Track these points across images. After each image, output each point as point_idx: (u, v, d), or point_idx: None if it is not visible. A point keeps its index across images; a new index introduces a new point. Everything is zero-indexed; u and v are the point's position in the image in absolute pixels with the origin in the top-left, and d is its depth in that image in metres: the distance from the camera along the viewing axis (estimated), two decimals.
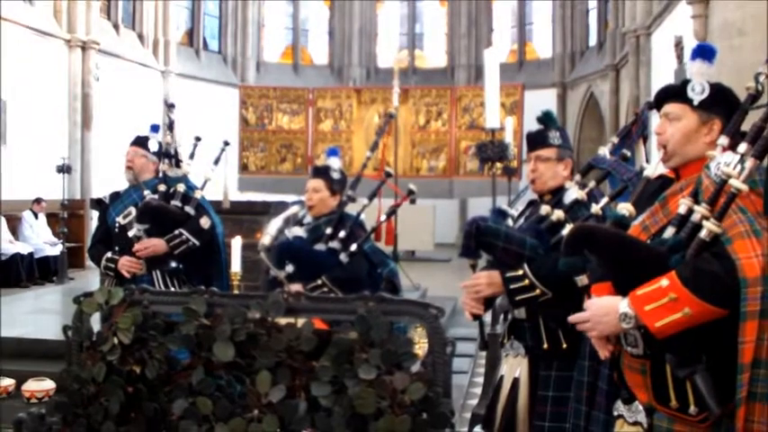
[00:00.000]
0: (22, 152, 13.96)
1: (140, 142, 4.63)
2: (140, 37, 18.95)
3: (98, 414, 2.19)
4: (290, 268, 4.03)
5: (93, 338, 2.26)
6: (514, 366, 3.30)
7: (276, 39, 23.04)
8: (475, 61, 21.43)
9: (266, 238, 4.23)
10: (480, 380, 6.34)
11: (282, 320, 2.24)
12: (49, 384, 5.73)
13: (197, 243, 4.41)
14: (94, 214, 14.31)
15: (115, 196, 4.65)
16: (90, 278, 13.31)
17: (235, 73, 21.48)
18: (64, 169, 12.14)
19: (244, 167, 16.22)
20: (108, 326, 2.22)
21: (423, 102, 16.01)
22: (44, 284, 12.59)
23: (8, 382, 5.82)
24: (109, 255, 4.47)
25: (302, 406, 2.20)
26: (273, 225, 4.28)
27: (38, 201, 13.59)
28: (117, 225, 4.50)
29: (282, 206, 8.43)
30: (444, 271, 13.36)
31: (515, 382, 3.27)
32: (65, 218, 12.85)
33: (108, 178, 15.34)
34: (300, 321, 2.23)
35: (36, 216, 13.54)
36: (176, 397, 2.20)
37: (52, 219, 13.70)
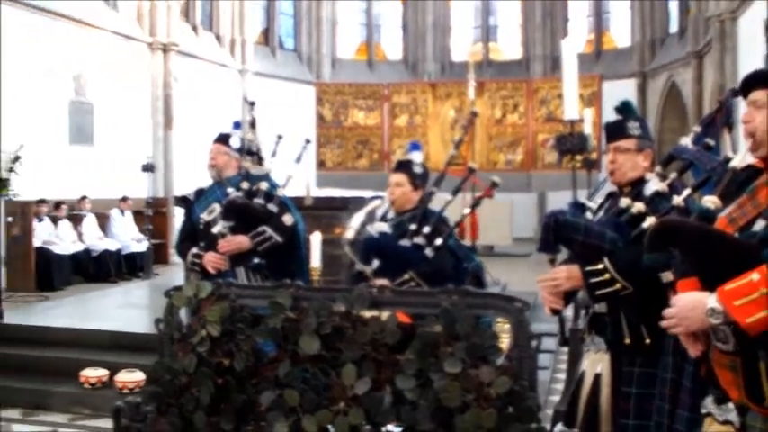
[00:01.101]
0: (108, 152, 14.41)
1: (223, 139, 4.70)
2: (218, 37, 19.28)
3: (189, 404, 2.25)
4: (376, 263, 4.04)
5: (184, 331, 2.32)
6: (596, 362, 3.24)
7: (350, 35, 23.13)
8: (551, 52, 21.09)
9: (350, 232, 4.24)
10: (561, 376, 6.26)
11: (367, 314, 2.26)
12: (139, 375, 5.93)
13: (280, 240, 4.46)
14: (178, 211, 14.70)
15: (199, 193, 4.73)
16: (174, 273, 13.63)
17: (310, 70, 21.67)
18: (148, 168, 12.44)
19: (321, 164, 16.38)
20: (197, 319, 2.28)
21: (498, 95, 15.90)
22: (131, 280, 12.94)
23: (102, 373, 6.04)
24: (195, 251, 4.56)
25: (387, 399, 2.22)
26: (356, 219, 4.28)
27: (124, 199, 13.98)
28: (202, 222, 4.58)
29: (360, 201, 8.52)
30: (523, 266, 13.23)
31: (597, 377, 3.22)
32: (150, 215, 13.17)
33: (189, 176, 15.73)
34: (384, 315, 2.24)
35: (123, 213, 13.94)
36: (264, 389, 2.25)
37: (138, 216, 14.07)
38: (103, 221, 13.72)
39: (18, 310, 8.20)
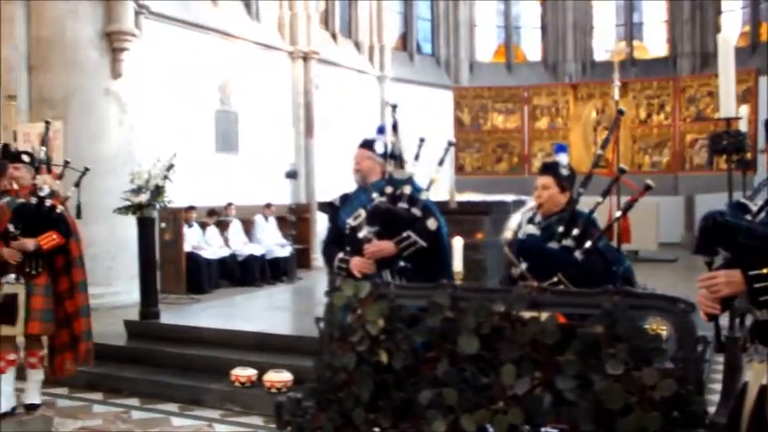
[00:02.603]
0: (252, 159, 14.89)
1: (367, 145, 4.75)
2: (357, 44, 19.57)
3: (349, 401, 2.28)
4: (524, 266, 4.00)
5: (343, 330, 2.36)
6: (760, 372, 3.07)
7: (488, 38, 23.03)
8: (700, 48, 20.24)
9: (508, 233, 4.21)
10: (717, 386, 5.97)
11: (526, 314, 2.23)
12: (287, 376, 6.10)
13: (424, 244, 4.48)
14: (320, 217, 15.02)
15: (345, 198, 4.80)
16: (317, 278, 13.95)
17: (448, 75, 21.69)
18: (291, 175, 12.77)
19: (460, 168, 16.32)
20: (356, 318, 2.31)
21: (643, 95, 15.37)
22: (275, 284, 13.32)
23: (251, 372, 6.25)
24: (341, 255, 4.62)
25: (547, 399, 2.19)
26: (514, 220, 4.25)
27: (268, 205, 14.42)
28: (347, 226, 4.64)
29: (503, 206, 8.45)
30: (670, 272, 12.77)
31: (763, 389, 3.05)
32: (293, 221, 13.52)
33: (330, 182, 16.05)
34: (544, 315, 2.21)
35: (267, 219, 14.37)
36: (422, 387, 2.26)
37: (281, 222, 14.48)
38: (248, 227, 14.20)
39: (171, 311, 8.59)
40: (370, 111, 19.06)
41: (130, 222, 8.02)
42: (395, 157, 4.72)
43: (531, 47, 23.05)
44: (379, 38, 19.85)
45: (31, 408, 6.02)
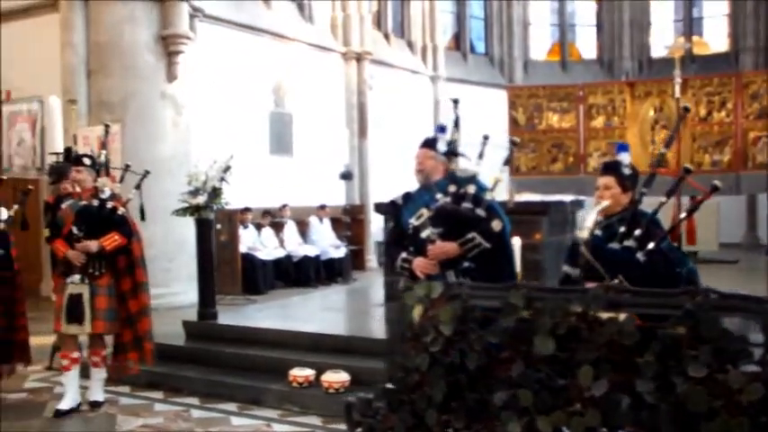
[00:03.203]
0: (306, 161, 14.94)
1: (429, 144, 4.70)
2: (409, 44, 19.53)
3: (422, 402, 2.25)
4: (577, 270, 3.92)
5: (415, 330, 2.32)
6: None
7: (542, 36, 22.81)
8: (764, 43, 19.74)
9: (584, 232, 4.11)
10: None
11: (603, 315, 2.17)
12: (344, 376, 6.07)
13: (488, 246, 4.41)
14: (374, 218, 15.02)
15: (407, 197, 4.76)
16: (371, 279, 13.95)
17: (502, 74, 21.53)
18: (346, 176, 12.76)
19: (516, 169, 16.15)
20: (429, 318, 2.27)
21: (703, 92, 15.02)
22: (329, 285, 13.33)
23: (309, 373, 6.24)
24: (404, 255, 4.58)
25: (625, 401, 2.12)
26: (589, 219, 4.15)
27: (322, 207, 14.46)
28: (410, 226, 4.60)
29: (561, 206, 8.35)
30: (731, 274, 12.48)
31: None
32: (348, 222, 13.50)
33: (384, 183, 16.05)
34: (622, 316, 2.14)
35: (321, 221, 14.41)
36: (496, 389, 2.21)
37: (335, 223, 14.51)
38: (303, 228, 14.25)
39: (228, 312, 8.63)
40: (423, 111, 19.00)
41: (188, 224, 8.09)
42: (455, 153, 4.66)
43: (587, 44, 22.77)
44: (431, 37, 19.80)
45: (95, 405, 6.12)
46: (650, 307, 2.26)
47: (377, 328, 7.65)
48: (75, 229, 5.89)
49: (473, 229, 4.41)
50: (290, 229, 13.90)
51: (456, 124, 4.85)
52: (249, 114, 13.71)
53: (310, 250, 13.73)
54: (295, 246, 13.69)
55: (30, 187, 7.02)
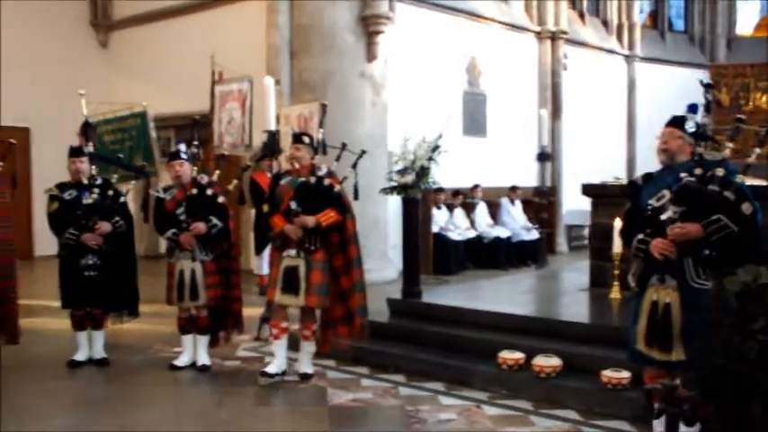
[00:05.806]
0: (499, 142, 14.77)
1: (677, 123, 4.45)
2: (605, 23, 18.94)
3: (747, 391, 2.05)
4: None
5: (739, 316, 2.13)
6: None
7: (749, 11, 21.38)
8: None
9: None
10: None
11: None
12: (556, 361, 5.89)
13: (735, 229, 4.10)
14: (565, 200, 14.67)
15: (647, 178, 4.55)
16: (562, 262, 13.65)
17: (703, 52, 20.42)
18: (543, 157, 12.45)
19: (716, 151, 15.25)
20: (758, 304, 2.08)
21: None
22: (520, 267, 13.12)
23: (519, 356, 6.10)
24: (640, 236, 4.37)
25: None
26: None
27: (513, 188, 14.26)
28: (649, 207, 4.37)
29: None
30: None
31: None
32: (542, 204, 13.19)
33: (577, 165, 15.63)
34: None
35: (512, 203, 14.20)
36: None
37: (526, 205, 14.26)
38: (494, 210, 14.09)
39: (427, 291, 8.59)
40: (616, 93, 18.38)
41: (382, 202, 8.10)
42: (706, 137, 4.37)
43: None
44: (627, 16, 19.09)
45: (305, 377, 6.26)
46: None
47: (584, 312, 7.41)
48: (293, 205, 6.03)
49: (720, 211, 4.12)
50: (481, 210, 13.80)
51: (707, 108, 4.56)
52: (444, 94, 13.68)
53: (502, 232, 13.57)
54: (485, 227, 13.57)
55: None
